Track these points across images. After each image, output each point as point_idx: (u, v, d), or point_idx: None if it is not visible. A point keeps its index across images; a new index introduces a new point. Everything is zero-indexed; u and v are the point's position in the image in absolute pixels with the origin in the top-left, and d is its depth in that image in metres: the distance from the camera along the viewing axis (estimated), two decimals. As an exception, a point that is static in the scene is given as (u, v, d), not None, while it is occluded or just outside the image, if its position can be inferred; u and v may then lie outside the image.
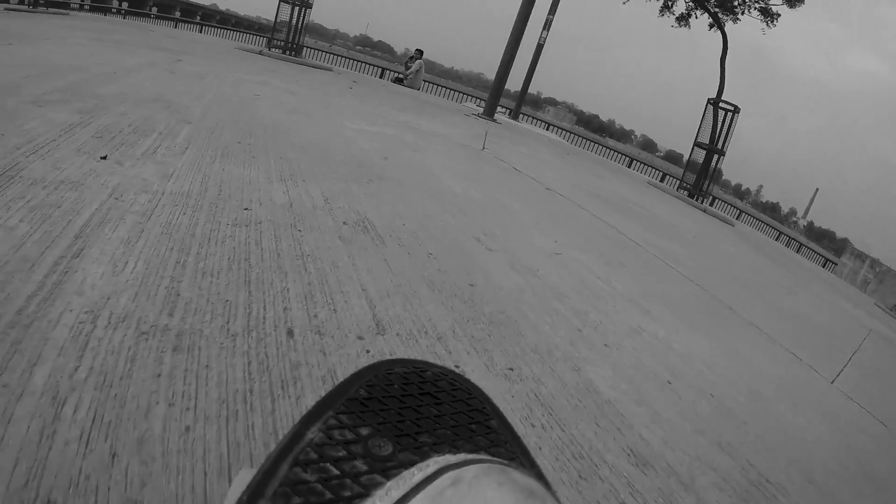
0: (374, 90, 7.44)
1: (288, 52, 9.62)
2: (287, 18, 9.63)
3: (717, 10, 11.58)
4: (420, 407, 0.40)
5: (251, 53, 8.65)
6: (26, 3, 7.35)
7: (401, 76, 12.99)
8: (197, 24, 22.93)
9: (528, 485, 0.29)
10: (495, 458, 0.34)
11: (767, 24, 11.71)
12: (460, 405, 0.42)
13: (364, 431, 0.36)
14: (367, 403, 0.39)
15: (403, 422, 0.38)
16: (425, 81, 14.96)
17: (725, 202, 19.37)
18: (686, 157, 10.13)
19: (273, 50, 9.63)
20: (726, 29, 12.55)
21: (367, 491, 0.31)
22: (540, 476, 0.35)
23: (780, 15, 11.62)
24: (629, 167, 16.17)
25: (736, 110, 9.21)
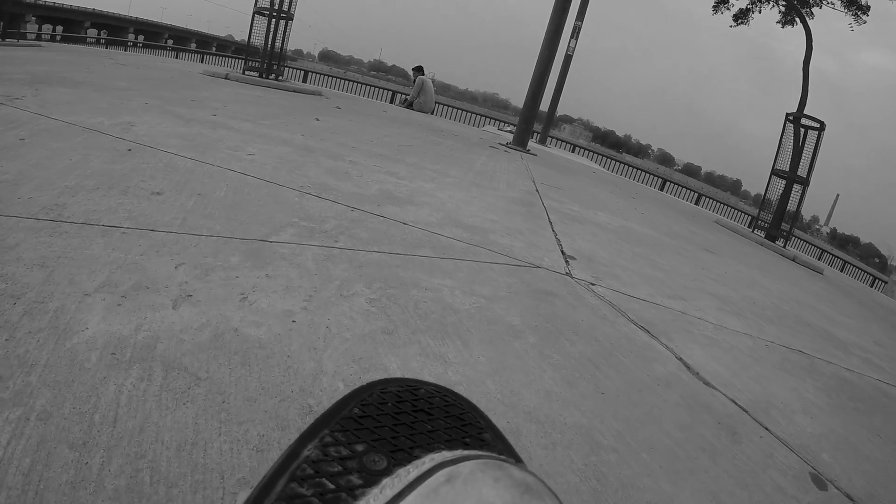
0: (364, 118, 5.40)
1: (265, 76, 7.69)
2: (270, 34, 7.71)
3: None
4: (414, 423, 0.40)
5: (217, 78, 6.77)
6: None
7: (410, 99, 11.08)
8: (193, 51, 21.66)
9: (525, 480, 0.28)
10: (492, 454, 0.32)
11: (856, 19, 9.47)
12: (454, 420, 0.42)
13: (359, 448, 0.37)
14: (361, 421, 0.39)
15: (398, 438, 0.38)
16: (438, 104, 13.00)
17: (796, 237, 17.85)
18: (762, 188, 8.24)
19: (248, 73, 7.70)
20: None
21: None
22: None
23: (869, 7, 9.38)
24: (697, 203, 15.37)
25: (822, 127, 7.35)
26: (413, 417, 0.41)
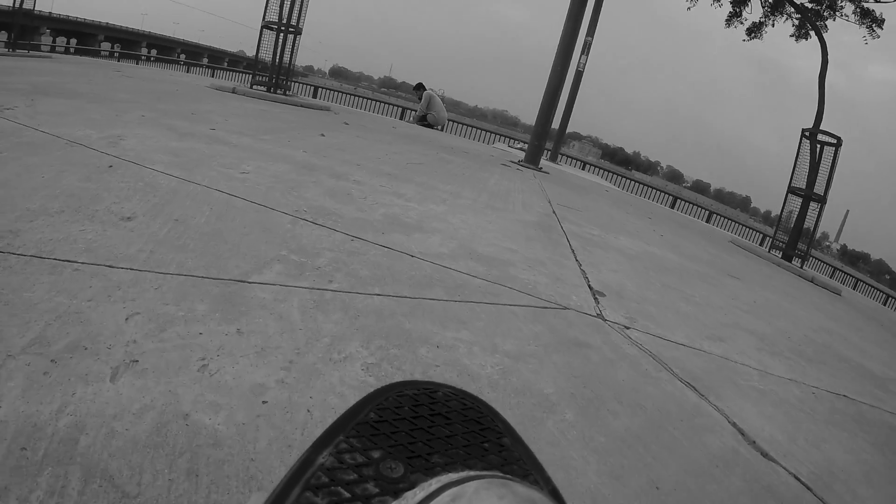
0: (374, 135, 5.22)
1: (273, 90, 7.57)
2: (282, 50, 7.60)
3: (812, 10, 9.18)
4: (431, 428, 0.39)
5: (224, 92, 6.63)
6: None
7: (423, 114, 10.87)
8: (205, 66, 21.82)
9: (530, 497, 0.28)
10: (497, 473, 0.32)
11: (870, 32, 9.26)
12: (472, 424, 0.41)
13: (375, 454, 0.36)
14: (377, 427, 0.38)
15: (415, 443, 0.37)
16: (448, 121, 12.85)
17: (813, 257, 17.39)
18: (778, 207, 7.94)
19: (256, 88, 7.58)
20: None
21: None
22: (555, 493, 0.35)
23: (884, 19, 9.18)
24: (708, 221, 15.29)
25: (839, 143, 7.05)
26: (430, 422, 0.40)
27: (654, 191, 18.16)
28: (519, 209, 3.19)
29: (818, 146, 7.20)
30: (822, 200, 7.23)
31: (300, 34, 7.68)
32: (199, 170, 2.05)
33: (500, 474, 0.31)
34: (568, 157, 17.90)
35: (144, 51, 49.38)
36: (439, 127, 10.75)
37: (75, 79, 4.49)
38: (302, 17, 7.67)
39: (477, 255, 1.87)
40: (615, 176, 18.37)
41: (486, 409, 0.43)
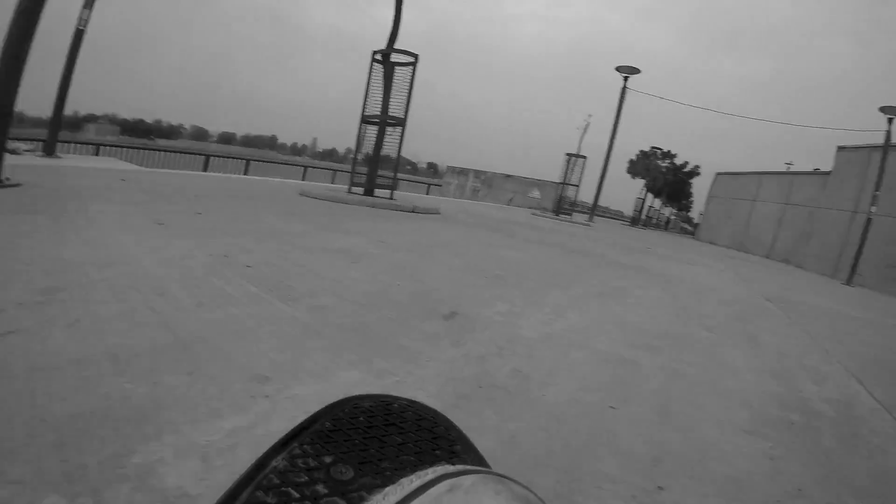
0: None
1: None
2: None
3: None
4: (384, 437, 0.39)
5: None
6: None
7: None
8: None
9: (526, 496, 0.29)
10: (493, 470, 0.32)
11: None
12: (425, 433, 0.41)
13: (327, 459, 0.36)
14: (332, 435, 0.39)
15: (367, 450, 0.37)
16: None
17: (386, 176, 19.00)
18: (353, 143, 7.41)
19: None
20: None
21: None
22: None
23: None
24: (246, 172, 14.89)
25: (416, 60, 6.84)
26: (384, 431, 0.40)
27: (183, 155, 17.51)
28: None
29: (392, 67, 6.79)
30: (402, 123, 6.88)
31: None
32: None
33: (496, 471, 0.31)
34: (81, 143, 14.82)
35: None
36: None
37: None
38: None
39: None
40: (137, 151, 16.56)
41: (440, 419, 0.43)
